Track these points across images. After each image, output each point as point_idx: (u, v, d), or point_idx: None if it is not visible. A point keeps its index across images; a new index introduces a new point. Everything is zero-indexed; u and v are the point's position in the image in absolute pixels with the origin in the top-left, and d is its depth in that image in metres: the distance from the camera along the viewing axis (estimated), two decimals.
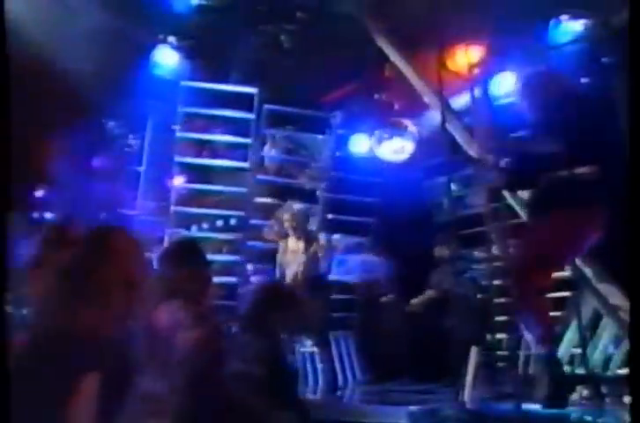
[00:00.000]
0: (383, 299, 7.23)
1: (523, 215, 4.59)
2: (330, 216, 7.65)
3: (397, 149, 6.60)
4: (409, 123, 6.47)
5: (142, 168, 7.06)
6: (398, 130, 6.51)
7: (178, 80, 6.72)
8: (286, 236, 6.09)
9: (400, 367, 6.80)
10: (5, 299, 1.79)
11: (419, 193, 7.77)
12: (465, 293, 6.09)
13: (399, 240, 7.27)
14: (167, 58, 6.66)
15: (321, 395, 5.61)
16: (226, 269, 6.91)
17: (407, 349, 6.83)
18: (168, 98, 6.78)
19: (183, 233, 6.83)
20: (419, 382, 6.23)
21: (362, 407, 4.20)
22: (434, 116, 6.73)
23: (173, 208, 6.83)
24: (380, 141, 6.60)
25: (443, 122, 4.34)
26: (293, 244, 6.01)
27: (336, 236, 7.69)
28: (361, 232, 7.92)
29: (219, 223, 7.53)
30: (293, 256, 5.96)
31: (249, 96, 6.97)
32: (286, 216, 5.99)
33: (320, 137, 7.57)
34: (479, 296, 6.03)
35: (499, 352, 5.25)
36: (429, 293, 6.86)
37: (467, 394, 4.38)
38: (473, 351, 4.46)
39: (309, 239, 6.00)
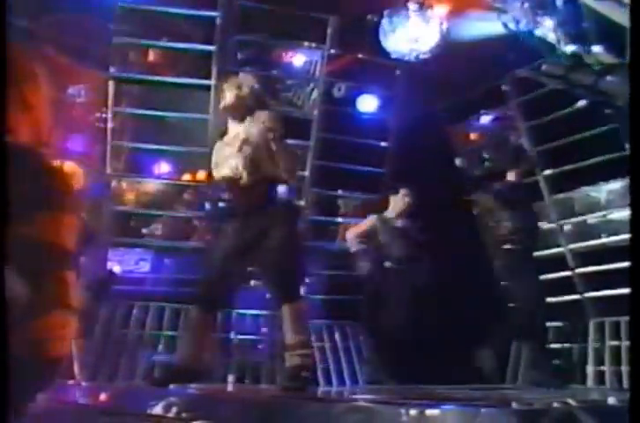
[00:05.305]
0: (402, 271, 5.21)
1: None
2: (322, 163, 5.66)
3: (414, 37, 4.47)
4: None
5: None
6: (417, 13, 4.41)
7: None
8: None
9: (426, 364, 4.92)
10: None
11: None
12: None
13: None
14: None
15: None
16: None
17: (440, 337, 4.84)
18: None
19: None
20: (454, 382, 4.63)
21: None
22: None
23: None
24: (392, 27, 4.45)
25: None
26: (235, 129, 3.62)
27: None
28: (367, 186, 5.94)
29: None
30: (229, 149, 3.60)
31: None
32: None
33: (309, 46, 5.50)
34: None
35: None
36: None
37: None
38: None
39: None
